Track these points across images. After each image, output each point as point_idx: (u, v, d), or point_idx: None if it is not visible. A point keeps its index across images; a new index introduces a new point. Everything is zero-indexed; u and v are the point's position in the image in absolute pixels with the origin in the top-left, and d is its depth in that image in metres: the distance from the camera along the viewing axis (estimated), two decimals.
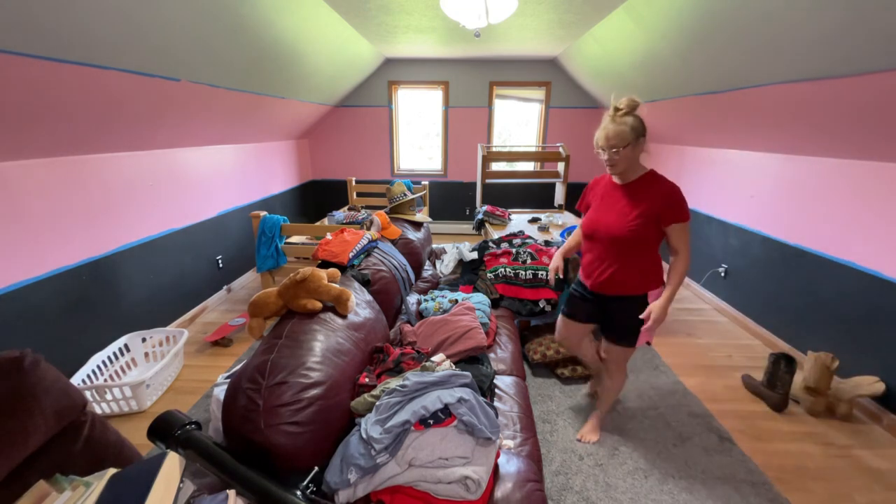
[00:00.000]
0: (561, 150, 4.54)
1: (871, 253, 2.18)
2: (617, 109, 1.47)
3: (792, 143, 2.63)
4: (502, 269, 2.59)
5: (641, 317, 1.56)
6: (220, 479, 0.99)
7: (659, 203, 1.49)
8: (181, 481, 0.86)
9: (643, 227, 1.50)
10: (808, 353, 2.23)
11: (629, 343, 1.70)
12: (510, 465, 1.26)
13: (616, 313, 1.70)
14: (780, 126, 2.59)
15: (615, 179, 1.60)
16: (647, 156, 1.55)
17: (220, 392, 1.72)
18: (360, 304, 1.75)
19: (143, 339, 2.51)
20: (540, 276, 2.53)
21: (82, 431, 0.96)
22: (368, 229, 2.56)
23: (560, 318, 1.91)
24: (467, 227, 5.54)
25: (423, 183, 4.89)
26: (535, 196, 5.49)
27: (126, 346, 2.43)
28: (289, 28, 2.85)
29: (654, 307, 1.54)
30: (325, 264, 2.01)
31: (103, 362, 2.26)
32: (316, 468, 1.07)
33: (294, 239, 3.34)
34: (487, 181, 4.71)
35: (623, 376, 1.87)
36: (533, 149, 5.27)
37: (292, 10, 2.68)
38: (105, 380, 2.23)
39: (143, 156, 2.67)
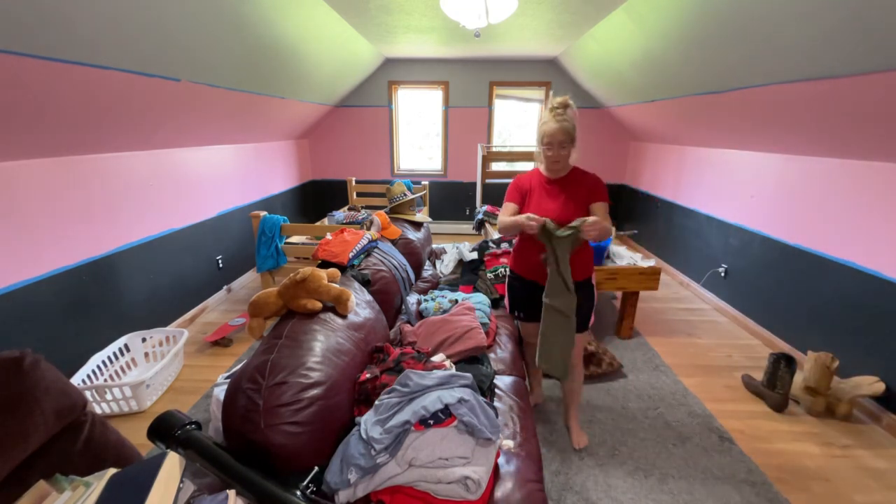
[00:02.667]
0: None
1: (871, 253, 2.18)
2: (556, 107, 1.57)
3: (792, 143, 2.63)
4: (502, 269, 2.59)
5: (588, 222, 1.50)
6: (220, 479, 0.99)
7: (587, 189, 1.65)
8: (181, 481, 0.86)
9: (585, 213, 1.63)
10: (808, 353, 2.23)
11: (584, 328, 1.77)
12: (510, 465, 1.27)
13: None
14: (780, 126, 2.59)
15: (548, 175, 1.71)
16: (576, 153, 1.66)
17: (220, 392, 1.73)
18: (360, 304, 1.75)
19: (143, 339, 2.51)
20: None
21: (82, 431, 0.96)
22: (368, 229, 2.56)
23: (521, 326, 1.79)
24: (467, 227, 5.54)
25: (423, 183, 4.89)
26: None
27: (126, 346, 2.43)
28: (289, 28, 2.85)
29: (590, 219, 1.51)
30: (325, 264, 2.01)
31: (103, 362, 2.26)
32: (316, 468, 1.08)
33: (294, 239, 3.34)
34: (487, 181, 4.71)
35: (582, 368, 1.92)
36: (533, 149, 5.24)
37: (292, 9, 2.68)
38: (105, 380, 2.23)
39: (143, 156, 2.67)
